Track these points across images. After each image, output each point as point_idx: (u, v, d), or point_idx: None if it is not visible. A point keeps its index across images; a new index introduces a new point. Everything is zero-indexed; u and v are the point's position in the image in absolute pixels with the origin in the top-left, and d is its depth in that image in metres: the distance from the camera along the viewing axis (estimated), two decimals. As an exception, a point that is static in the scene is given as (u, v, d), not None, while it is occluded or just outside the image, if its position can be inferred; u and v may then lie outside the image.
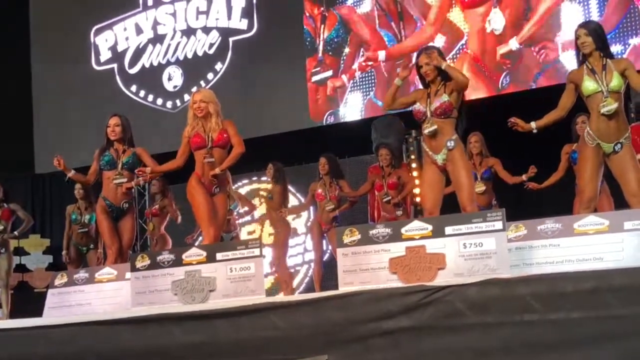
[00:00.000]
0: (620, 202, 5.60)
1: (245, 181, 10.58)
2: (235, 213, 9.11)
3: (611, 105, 5.15)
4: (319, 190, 8.44)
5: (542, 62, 9.03)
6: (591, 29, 5.25)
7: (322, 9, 10.24)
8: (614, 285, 3.66)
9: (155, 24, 11.62)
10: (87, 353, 4.95)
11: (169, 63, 11.44)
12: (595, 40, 5.22)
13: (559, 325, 3.70)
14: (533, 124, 5.42)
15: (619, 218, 4.65)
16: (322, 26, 10.24)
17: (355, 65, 10.11)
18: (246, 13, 10.88)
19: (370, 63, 9.99)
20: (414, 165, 9.16)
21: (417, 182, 8.45)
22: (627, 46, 8.48)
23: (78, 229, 8.56)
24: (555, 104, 5.44)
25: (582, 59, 5.31)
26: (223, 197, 6.19)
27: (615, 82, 5.17)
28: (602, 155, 5.28)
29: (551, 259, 4.67)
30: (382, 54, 9.91)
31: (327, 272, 8.38)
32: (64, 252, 8.72)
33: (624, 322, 3.57)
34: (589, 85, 5.23)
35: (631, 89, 5.46)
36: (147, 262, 5.49)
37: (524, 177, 7.53)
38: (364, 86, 10.07)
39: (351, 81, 10.13)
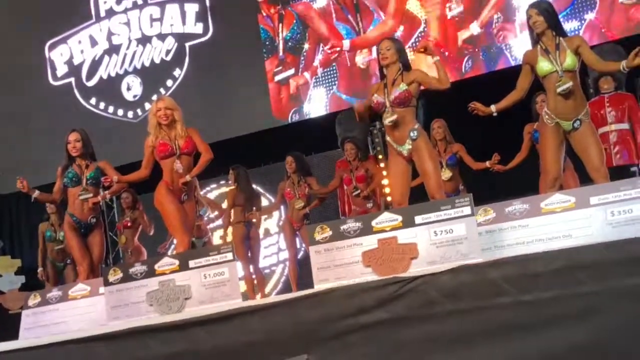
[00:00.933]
0: (584, 178, 5.65)
1: (214, 185, 10.54)
2: (205, 218, 9.07)
3: (566, 84, 5.20)
4: (288, 189, 8.44)
5: (502, 44, 9.10)
6: (542, 8, 5.29)
7: (278, 7, 10.22)
8: (584, 262, 3.69)
9: (110, 34, 11.52)
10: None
11: (126, 73, 11.35)
12: (547, 19, 5.26)
13: (533, 306, 3.73)
14: (493, 107, 5.46)
15: (585, 194, 4.67)
16: (280, 25, 10.22)
17: (317, 62, 10.11)
18: (200, 17, 10.83)
19: (337, 49, 9.97)
20: (380, 157, 9.18)
21: (384, 173, 8.47)
22: (582, 22, 8.57)
23: (55, 247, 8.51)
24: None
25: (536, 38, 5.35)
26: (192, 204, 6.18)
27: (569, 60, 5.21)
28: (562, 133, 5.33)
29: (521, 239, 4.69)
30: (346, 43, 9.92)
31: (304, 270, 8.34)
32: (39, 270, 8.66)
33: (597, 298, 3.60)
34: (543, 65, 5.27)
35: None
36: (120, 275, 5.45)
37: (487, 164, 7.59)
38: (327, 81, 10.08)
39: (314, 77, 10.14)
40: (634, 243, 3.71)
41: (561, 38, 5.27)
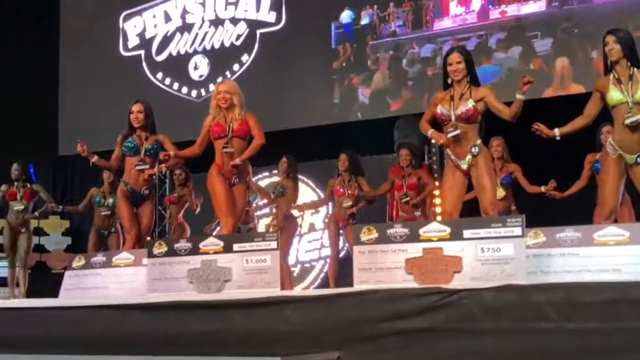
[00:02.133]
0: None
1: (266, 174, 10.60)
2: (254, 205, 9.13)
3: (636, 117, 5.10)
4: (338, 187, 8.44)
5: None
6: (620, 36, 5.20)
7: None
8: (632, 297, 3.63)
9: (184, 12, 11.65)
10: (100, 336, 4.98)
11: (195, 52, 11.48)
12: (624, 48, 5.16)
13: (574, 335, 3.67)
14: (556, 131, 5.37)
15: (640, 230, 4.61)
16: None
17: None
18: (275, 6, 10.89)
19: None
20: (435, 166, 9.13)
21: (436, 184, 8.43)
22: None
23: (101, 212, 8.66)
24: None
25: (610, 67, 5.26)
26: (242, 188, 6.20)
27: (642, 92, 5.12)
28: (624, 166, 5.23)
29: (569, 267, 4.64)
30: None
31: (343, 269, 8.35)
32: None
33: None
34: (614, 95, 5.18)
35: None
36: (165, 249, 5.51)
37: (543, 189, 7.51)
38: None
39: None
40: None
41: (635, 69, 5.17)
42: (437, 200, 8.34)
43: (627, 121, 5.12)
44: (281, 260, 8.61)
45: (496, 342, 3.83)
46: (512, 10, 9.34)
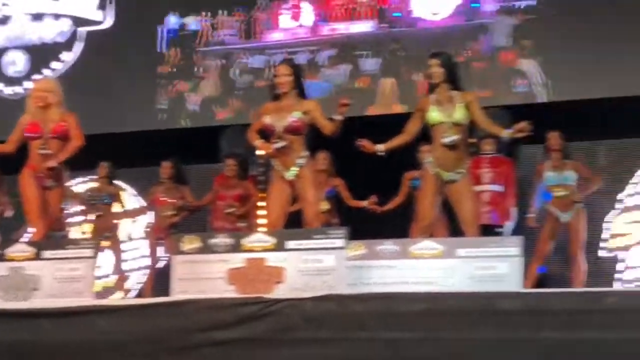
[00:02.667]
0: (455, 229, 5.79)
1: (83, 179, 10.15)
2: (68, 211, 8.75)
3: (453, 137, 5.33)
4: (160, 195, 8.26)
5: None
6: (443, 60, 5.42)
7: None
8: (445, 308, 3.76)
9: (1, 4, 11.01)
10: None
11: (13, 47, 10.86)
12: (447, 71, 5.39)
13: (391, 345, 3.76)
14: (380, 146, 5.52)
15: (453, 245, 4.79)
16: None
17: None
18: (102, 4, 10.52)
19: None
20: (260, 178, 9.13)
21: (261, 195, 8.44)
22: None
23: None
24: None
25: (432, 88, 5.47)
26: (57, 192, 5.94)
27: (460, 114, 5.35)
28: (441, 183, 5.44)
29: (387, 279, 4.74)
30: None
31: (161, 280, 8.17)
32: None
33: (453, 344, 3.67)
34: (434, 115, 5.39)
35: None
36: (-32, 255, 5.16)
37: (364, 204, 7.69)
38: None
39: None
40: (495, 297, 3.81)
41: (455, 92, 5.40)
42: (262, 212, 8.36)
43: (445, 141, 5.33)
44: (119, 267, 8.41)
45: (316, 351, 3.87)
46: (342, 28, 9.53)
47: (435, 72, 5.41)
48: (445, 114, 5.36)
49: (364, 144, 5.52)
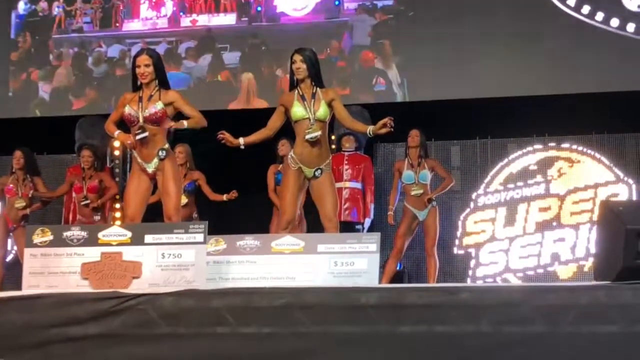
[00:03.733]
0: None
1: None
2: None
3: (315, 133, 5.36)
4: (11, 185, 7.94)
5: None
6: (307, 56, 5.44)
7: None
8: (305, 302, 3.79)
9: None
10: None
11: None
12: (309, 67, 5.41)
13: (251, 339, 3.75)
14: (241, 140, 5.48)
15: (314, 240, 4.83)
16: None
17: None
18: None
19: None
20: (117, 170, 8.91)
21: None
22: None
23: None
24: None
25: (295, 84, 5.49)
26: None
27: (322, 111, 5.40)
28: (303, 179, 5.48)
29: (247, 275, 4.73)
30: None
31: (10, 274, 7.85)
32: None
33: (314, 338, 3.70)
34: (297, 110, 5.40)
35: (335, 120, 5.73)
36: None
37: (224, 197, 7.65)
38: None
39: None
40: (354, 292, 3.86)
41: (318, 88, 5.44)
42: (118, 205, 8.16)
43: (308, 136, 5.36)
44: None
45: (173, 347, 3.81)
46: (203, 20, 9.42)
47: (299, 67, 5.42)
48: (308, 110, 5.38)
49: (226, 136, 5.47)
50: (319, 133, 5.37)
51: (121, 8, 9.64)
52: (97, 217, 7.89)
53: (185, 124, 5.42)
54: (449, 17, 8.67)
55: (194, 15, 9.45)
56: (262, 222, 7.47)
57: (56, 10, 9.75)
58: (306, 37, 8.66)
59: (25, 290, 4.39)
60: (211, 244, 4.82)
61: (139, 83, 5.43)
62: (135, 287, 4.30)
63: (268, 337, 3.74)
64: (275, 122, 5.56)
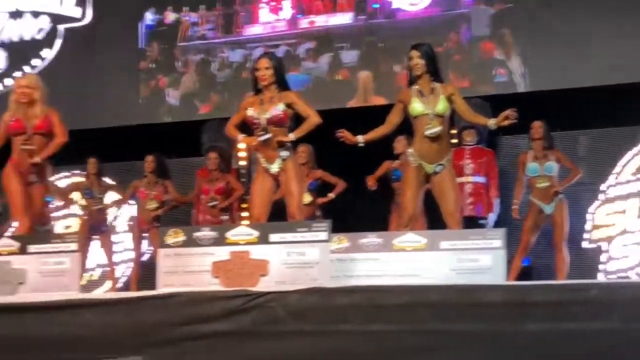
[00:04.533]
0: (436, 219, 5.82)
1: (67, 174, 10.12)
2: (51, 205, 8.71)
3: (435, 128, 5.34)
4: (143, 189, 8.27)
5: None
6: (424, 51, 5.43)
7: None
8: (429, 301, 3.80)
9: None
10: None
11: (-8, 44, 10.79)
12: (427, 63, 5.40)
13: (375, 337, 3.79)
14: (360, 137, 5.52)
15: (436, 237, 4.82)
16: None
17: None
18: (80, 1, 10.46)
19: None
20: (243, 171, 9.14)
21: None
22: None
23: None
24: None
25: (413, 80, 5.48)
26: (41, 188, 5.94)
27: (441, 106, 5.37)
28: (424, 175, 5.47)
29: (371, 272, 4.77)
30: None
31: (145, 273, 8.19)
32: None
33: (437, 336, 3.70)
34: (416, 106, 5.40)
35: (455, 114, 5.70)
36: (-49, 249, 5.15)
37: (332, 195, 7.81)
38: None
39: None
40: (479, 290, 3.84)
41: (437, 83, 5.42)
42: (244, 205, 8.38)
43: (427, 132, 5.35)
44: (110, 261, 8.44)
45: (300, 344, 3.89)
46: (321, 20, 9.54)
47: (416, 63, 5.41)
48: (427, 105, 5.37)
49: (344, 134, 5.53)
50: (439, 128, 5.35)
51: (242, 14, 9.89)
52: (224, 218, 8.12)
53: (292, 137, 5.50)
54: (570, 2, 8.43)
55: (312, 17, 9.57)
56: (383, 220, 7.50)
57: (181, 18, 10.10)
58: (423, 31, 8.62)
59: (160, 289, 4.58)
60: (334, 242, 4.90)
61: (259, 86, 5.57)
62: (263, 285, 4.41)
63: (392, 335, 3.78)
64: (394, 119, 5.57)
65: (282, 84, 5.56)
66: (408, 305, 3.82)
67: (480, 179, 7.68)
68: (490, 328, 3.70)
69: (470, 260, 4.61)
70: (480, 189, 7.65)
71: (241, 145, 8.67)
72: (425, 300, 3.81)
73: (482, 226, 7.44)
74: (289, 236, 4.60)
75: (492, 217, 7.70)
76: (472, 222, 7.27)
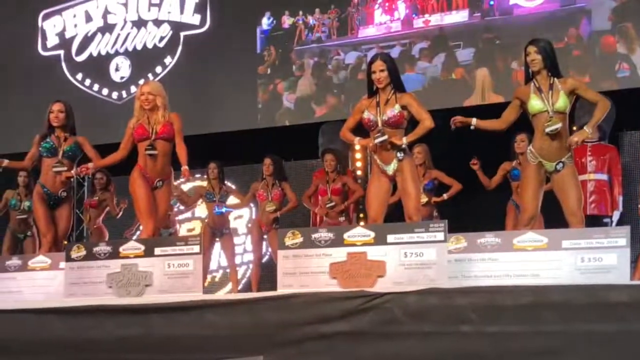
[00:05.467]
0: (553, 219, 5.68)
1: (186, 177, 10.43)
2: (175, 209, 9.01)
3: (555, 125, 5.22)
4: (261, 191, 8.40)
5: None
6: (542, 47, 5.31)
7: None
8: (552, 301, 3.71)
9: (106, 12, 11.40)
10: (15, 342, 4.81)
11: (117, 53, 11.24)
12: (545, 58, 5.28)
13: (495, 338, 3.74)
14: (474, 120, 5.47)
15: (558, 236, 4.72)
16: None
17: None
18: (199, 8, 10.78)
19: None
20: (359, 172, 9.19)
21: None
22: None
23: (16, 215, 8.38)
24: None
25: (531, 76, 5.37)
26: (165, 192, 6.11)
27: (561, 102, 5.24)
28: (544, 173, 5.35)
29: (489, 272, 4.71)
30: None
31: (265, 274, 8.34)
32: None
33: (560, 337, 3.62)
34: (535, 103, 5.29)
35: (575, 110, 5.54)
36: (83, 252, 5.40)
37: (444, 196, 7.77)
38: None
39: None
40: (603, 289, 3.73)
41: (555, 79, 5.29)
42: (361, 206, 8.41)
43: (547, 129, 5.23)
44: (232, 262, 8.68)
45: (419, 345, 3.88)
46: (435, 19, 9.46)
47: (534, 59, 5.30)
48: (546, 102, 5.25)
49: (459, 118, 5.49)
50: (559, 125, 5.23)
51: (356, 15, 9.94)
52: (341, 219, 8.16)
53: (404, 141, 5.47)
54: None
55: (426, 16, 9.52)
56: (499, 219, 7.37)
57: (296, 22, 10.26)
58: (541, 27, 8.41)
59: (280, 290, 4.66)
60: (452, 242, 4.86)
61: (374, 88, 5.58)
62: (380, 286, 4.41)
63: (514, 336, 3.71)
64: (509, 116, 5.48)
65: (397, 85, 5.55)
66: (530, 306, 3.75)
67: (603, 176, 7.44)
68: (617, 329, 3.59)
69: (594, 259, 4.49)
70: (603, 187, 7.41)
71: (357, 148, 8.73)
72: (548, 301, 3.72)
73: (605, 225, 7.20)
74: (405, 237, 4.58)
75: (616, 215, 7.44)
76: (595, 221, 7.06)
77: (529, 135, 5.86)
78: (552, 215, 5.65)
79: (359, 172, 9.12)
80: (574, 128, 7.50)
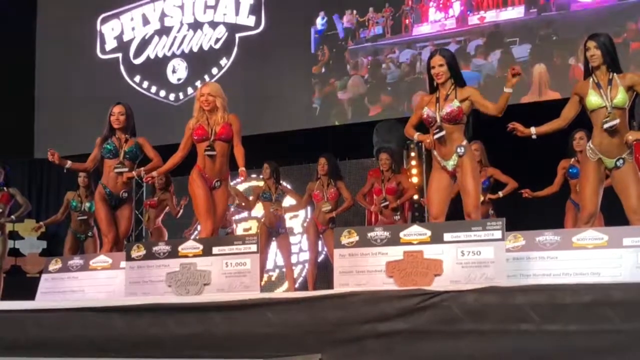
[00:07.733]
0: (614, 216, 5.59)
1: (254, 176, 10.53)
2: (232, 209, 9.10)
3: (614, 121, 5.14)
4: (317, 191, 8.43)
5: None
6: (601, 42, 5.23)
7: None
8: (613, 299, 3.66)
9: (163, 15, 11.61)
10: (79, 339, 4.92)
11: (174, 55, 11.44)
12: (604, 54, 5.20)
13: (556, 337, 3.70)
14: (533, 129, 5.38)
15: (619, 234, 4.65)
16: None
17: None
18: (254, 10, 10.89)
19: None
20: (414, 171, 9.16)
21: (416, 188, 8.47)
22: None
23: (77, 216, 8.55)
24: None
25: (590, 71, 5.30)
26: (223, 192, 6.17)
27: (620, 97, 5.15)
28: (603, 170, 5.27)
29: (548, 271, 4.67)
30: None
31: (321, 273, 8.37)
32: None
33: (622, 336, 3.56)
34: (593, 99, 5.21)
35: (636, 106, 5.44)
36: (143, 252, 5.48)
37: (500, 194, 7.69)
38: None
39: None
40: (666, 288, 3.66)
41: (615, 74, 5.21)
42: (417, 205, 8.39)
43: (606, 125, 5.15)
44: (289, 261, 8.74)
45: (477, 343, 3.85)
46: (490, 16, 9.40)
47: (593, 54, 5.22)
48: (604, 97, 5.17)
49: (516, 126, 5.41)
50: (617, 121, 5.14)
51: (411, 13, 9.92)
52: (397, 217, 8.15)
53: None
54: None
55: (482, 13, 9.46)
56: (556, 219, 7.27)
57: (351, 22, 10.28)
58: (599, 22, 8.30)
59: (337, 289, 4.67)
60: (510, 240, 4.82)
61: (435, 84, 5.56)
62: (437, 285, 4.39)
63: (575, 335, 3.66)
64: (569, 112, 5.40)
65: (457, 80, 5.51)
66: (591, 304, 3.69)
67: (665, 173, 7.26)
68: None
69: (656, 257, 4.40)
70: (665, 183, 7.22)
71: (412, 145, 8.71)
72: (610, 299, 3.66)
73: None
74: (462, 235, 4.54)
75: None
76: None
77: (587, 132, 5.77)
78: (613, 213, 5.56)
79: (414, 171, 9.10)
80: (634, 124, 7.40)
